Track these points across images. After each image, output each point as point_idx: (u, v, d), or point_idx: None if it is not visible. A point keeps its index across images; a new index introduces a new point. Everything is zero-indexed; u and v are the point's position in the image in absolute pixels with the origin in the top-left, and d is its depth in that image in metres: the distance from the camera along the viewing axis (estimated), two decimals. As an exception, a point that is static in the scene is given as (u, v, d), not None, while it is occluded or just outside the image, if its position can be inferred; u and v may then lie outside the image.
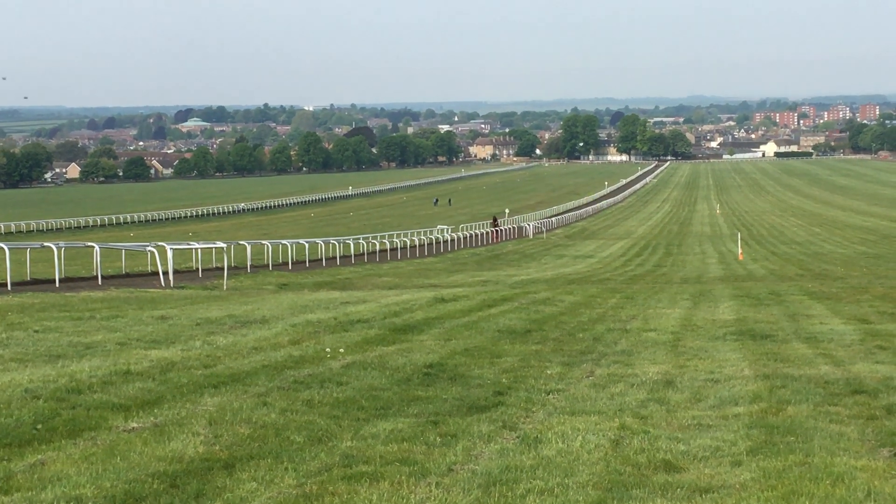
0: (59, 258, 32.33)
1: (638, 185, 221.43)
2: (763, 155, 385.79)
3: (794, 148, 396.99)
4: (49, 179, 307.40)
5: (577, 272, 53.66)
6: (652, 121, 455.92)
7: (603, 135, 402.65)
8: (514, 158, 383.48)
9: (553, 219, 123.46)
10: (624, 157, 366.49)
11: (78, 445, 9.63)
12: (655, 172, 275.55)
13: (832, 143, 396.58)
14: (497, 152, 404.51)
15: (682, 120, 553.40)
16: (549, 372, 15.05)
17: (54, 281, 31.57)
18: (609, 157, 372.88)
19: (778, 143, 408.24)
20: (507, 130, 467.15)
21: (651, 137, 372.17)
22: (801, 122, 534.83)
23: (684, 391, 13.48)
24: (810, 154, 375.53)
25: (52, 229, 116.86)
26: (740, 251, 71.03)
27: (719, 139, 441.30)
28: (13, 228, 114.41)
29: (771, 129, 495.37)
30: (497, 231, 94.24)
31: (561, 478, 8.98)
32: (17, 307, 22.33)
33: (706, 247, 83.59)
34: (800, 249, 77.35)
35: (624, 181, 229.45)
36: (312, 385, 13.05)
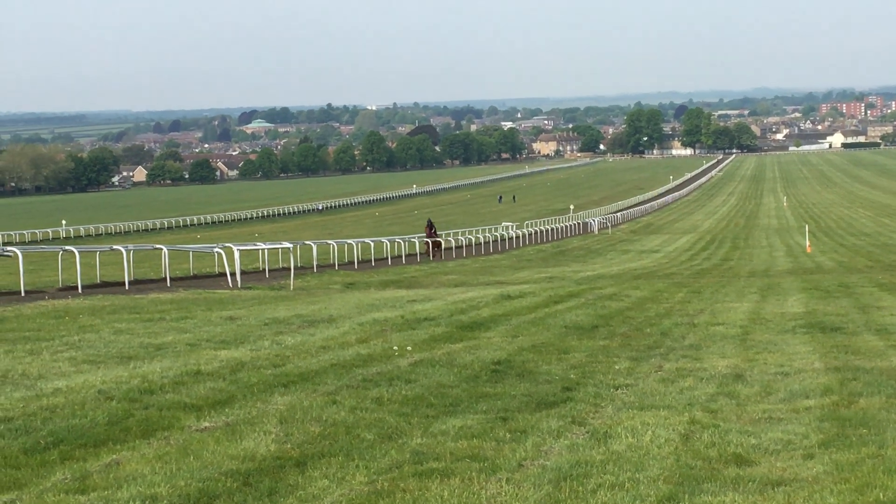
0: (129, 261, 32.64)
1: (703, 179, 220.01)
2: (830, 146, 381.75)
3: (861, 139, 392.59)
4: (116, 183, 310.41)
5: (643, 267, 53.44)
6: (716, 114, 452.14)
7: (667, 129, 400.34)
8: (578, 154, 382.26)
9: (618, 214, 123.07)
10: (689, 151, 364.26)
11: (152, 445, 9.74)
12: (721, 166, 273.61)
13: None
14: (560, 148, 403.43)
15: (747, 112, 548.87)
16: (617, 367, 15.01)
17: (124, 283, 31.87)
18: (674, 152, 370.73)
19: (845, 134, 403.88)
20: (570, 126, 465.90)
21: (716, 130, 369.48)
22: (869, 112, 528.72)
23: (754, 385, 13.40)
24: (878, 144, 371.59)
25: (120, 232, 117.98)
26: (808, 243, 70.43)
27: (785, 131, 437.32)
28: (82, 232, 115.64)
29: (837, 119, 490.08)
30: (432, 244, 62.06)
31: (631, 472, 8.96)
32: (88, 310, 22.57)
33: (773, 240, 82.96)
34: (869, 241, 76.56)
35: (689, 175, 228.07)
36: (381, 383, 13.10)
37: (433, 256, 60.84)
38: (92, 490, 8.33)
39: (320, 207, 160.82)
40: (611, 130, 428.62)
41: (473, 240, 76.56)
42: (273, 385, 12.72)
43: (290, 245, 41.83)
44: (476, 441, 10.14)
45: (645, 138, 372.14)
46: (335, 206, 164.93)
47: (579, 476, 8.87)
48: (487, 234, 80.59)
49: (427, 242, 62.40)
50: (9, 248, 32.62)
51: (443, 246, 64.80)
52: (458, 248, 68.80)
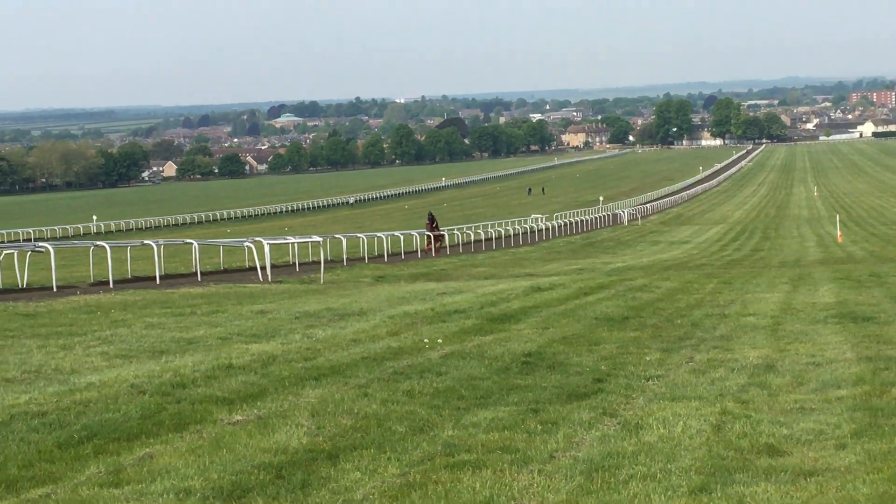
0: (159, 256, 32.79)
1: (733, 170, 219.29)
2: (860, 135, 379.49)
3: (892, 127, 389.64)
4: (146, 178, 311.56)
5: (673, 258, 53.34)
6: (746, 104, 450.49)
7: (696, 119, 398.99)
8: (607, 145, 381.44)
9: (648, 205, 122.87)
10: (718, 142, 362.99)
11: (184, 438, 9.79)
12: (750, 156, 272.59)
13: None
14: (590, 140, 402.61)
15: (776, 102, 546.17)
16: (648, 358, 14.99)
17: (155, 278, 32.03)
18: (703, 142, 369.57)
19: (875, 123, 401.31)
20: (599, 117, 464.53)
21: (745, 121, 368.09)
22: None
23: (786, 375, 13.36)
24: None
25: (150, 227, 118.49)
26: (839, 233, 70.10)
27: (815, 121, 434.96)
28: (113, 227, 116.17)
29: (868, 108, 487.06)
30: (433, 238, 58.61)
31: (663, 463, 8.96)
32: (119, 304, 22.70)
33: (804, 230, 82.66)
34: (900, 230, 76.14)
35: (718, 165, 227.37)
36: (412, 375, 13.13)
37: (436, 252, 56.93)
38: (126, 483, 8.39)
39: (351, 201, 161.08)
40: (640, 121, 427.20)
41: (503, 232, 76.54)
42: (304, 378, 12.77)
43: (320, 239, 41.91)
44: (507, 433, 10.15)
45: (674, 129, 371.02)
46: (364, 200, 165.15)
47: (611, 467, 8.88)
48: (517, 227, 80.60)
49: (428, 237, 58.43)
50: (40, 243, 32.82)
51: (446, 241, 61.29)
52: (488, 240, 68.75)
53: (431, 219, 59.79)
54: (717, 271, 38.10)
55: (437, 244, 58.49)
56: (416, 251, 56.07)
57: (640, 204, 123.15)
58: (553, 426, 10.48)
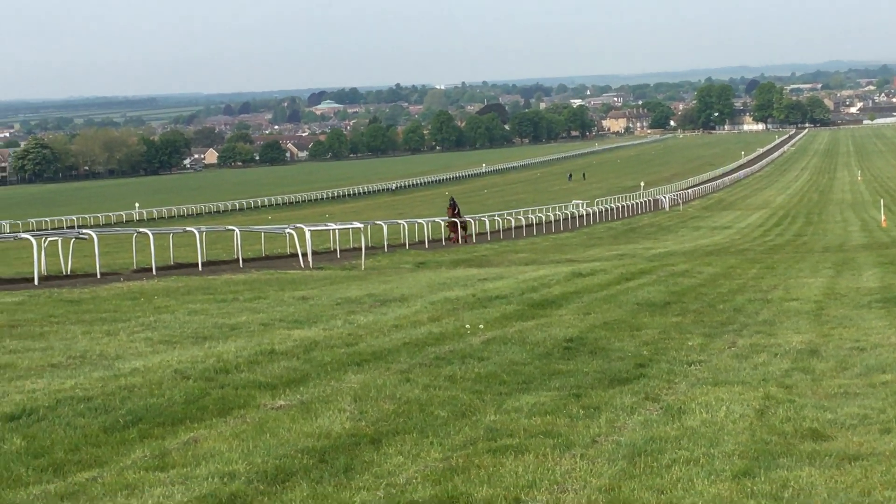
0: (201, 242, 32.94)
1: (775, 154, 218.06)
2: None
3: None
4: (188, 165, 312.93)
5: (715, 243, 53.13)
6: (788, 88, 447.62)
7: (738, 104, 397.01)
8: (648, 131, 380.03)
9: (689, 190, 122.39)
10: (760, 126, 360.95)
11: (228, 423, 9.85)
12: (793, 140, 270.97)
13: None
14: (630, 125, 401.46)
15: (819, 86, 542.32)
16: (690, 343, 14.96)
17: (197, 265, 32.19)
18: (745, 127, 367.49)
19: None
20: (640, 103, 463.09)
21: (788, 105, 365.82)
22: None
23: (829, 360, 13.31)
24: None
25: (192, 214, 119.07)
26: (883, 218, 69.62)
27: (859, 104, 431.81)
28: (155, 215, 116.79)
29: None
30: (457, 225, 55.06)
31: (706, 448, 8.94)
32: (162, 291, 22.83)
33: (848, 214, 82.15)
34: (945, 214, 75.54)
35: (761, 150, 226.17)
36: (454, 361, 13.15)
37: (462, 240, 53.70)
38: (171, 467, 8.45)
39: (393, 187, 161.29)
40: (681, 106, 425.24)
41: (544, 218, 76.48)
42: (346, 364, 12.81)
43: (361, 225, 41.99)
44: (549, 417, 10.16)
45: (716, 114, 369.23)
46: (405, 186, 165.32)
47: (653, 452, 8.87)
48: (558, 212, 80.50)
49: (451, 224, 54.72)
50: (84, 231, 33.03)
51: (469, 229, 56.93)
52: (529, 226, 68.67)
53: (453, 205, 56.23)
54: (759, 256, 37.93)
55: (464, 232, 55.33)
56: (442, 240, 55.65)
57: (682, 189, 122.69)
58: (595, 411, 10.48)
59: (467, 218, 58.61)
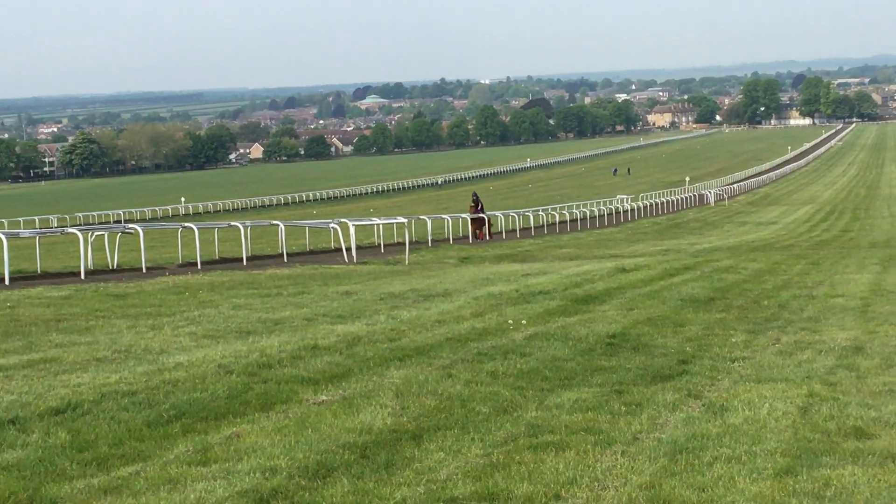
0: (246, 237, 33.08)
1: (822, 149, 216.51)
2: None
3: None
4: (233, 160, 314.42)
5: (760, 239, 52.82)
6: (836, 82, 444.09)
7: (785, 98, 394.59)
8: (694, 125, 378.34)
9: (734, 185, 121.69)
10: (807, 121, 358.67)
11: (270, 418, 9.88)
12: (840, 135, 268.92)
13: None
14: (676, 120, 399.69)
15: (867, 80, 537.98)
16: (733, 340, 14.89)
17: (242, 259, 32.33)
18: (791, 122, 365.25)
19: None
20: (685, 97, 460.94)
21: (835, 100, 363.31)
22: None
23: (874, 357, 13.22)
24: None
25: (237, 209, 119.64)
26: (931, 213, 68.98)
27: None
28: (201, 209, 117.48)
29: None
30: (479, 221, 52.63)
31: (748, 445, 8.90)
32: (207, 285, 22.93)
33: (895, 209, 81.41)
34: None
35: (807, 145, 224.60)
36: (496, 356, 13.14)
37: (489, 236, 51.62)
38: (213, 462, 8.50)
39: (439, 182, 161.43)
40: (727, 101, 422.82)
41: (588, 213, 76.27)
42: (389, 359, 12.83)
43: (405, 220, 42.02)
44: (591, 414, 10.14)
45: (762, 108, 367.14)
46: (449, 181, 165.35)
47: (695, 449, 8.84)
48: (602, 207, 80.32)
49: (474, 221, 51.79)
50: (130, 225, 33.25)
51: (489, 225, 53.58)
52: (573, 221, 68.53)
53: (476, 201, 53.18)
54: (805, 252, 37.69)
55: (484, 228, 52.33)
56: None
57: (727, 184, 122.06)
58: (637, 407, 10.45)
59: (483, 215, 54.23)
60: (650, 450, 8.84)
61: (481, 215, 52.47)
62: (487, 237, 51.69)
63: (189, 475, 8.14)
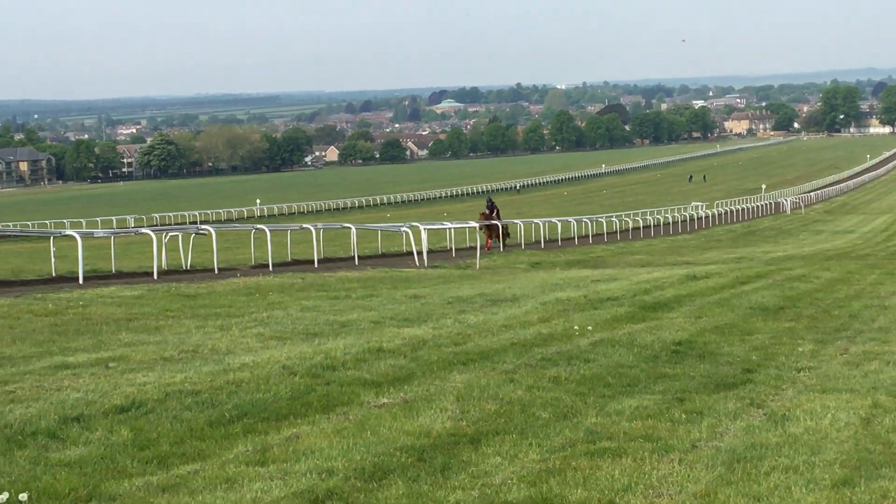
0: (318, 239, 33.29)
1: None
2: None
3: None
4: (309, 163, 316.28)
5: (835, 248, 52.29)
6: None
7: (864, 106, 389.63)
8: (771, 132, 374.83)
9: (811, 193, 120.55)
10: (887, 129, 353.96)
11: (330, 420, 9.96)
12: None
13: None
14: (753, 127, 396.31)
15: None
16: (800, 349, 14.79)
17: (313, 261, 32.54)
18: (871, 130, 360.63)
19: None
20: (763, 104, 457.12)
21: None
22: None
23: (943, 369, 13.06)
24: None
25: (311, 211, 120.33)
26: None
27: None
28: (276, 211, 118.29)
29: None
30: (499, 229, 47.01)
31: (807, 455, 8.85)
32: (277, 287, 23.11)
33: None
34: None
35: (887, 154, 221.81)
36: (560, 362, 13.14)
37: (500, 247, 46.11)
38: (271, 462, 8.58)
39: (518, 187, 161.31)
40: (805, 108, 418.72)
41: (662, 219, 75.96)
42: (452, 363, 12.87)
43: (476, 224, 42.03)
44: (650, 421, 10.12)
45: (841, 116, 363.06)
46: (524, 186, 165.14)
47: (753, 458, 8.80)
48: (676, 214, 79.90)
49: (486, 228, 46.53)
50: (204, 227, 33.61)
51: (504, 234, 47.71)
52: (647, 227, 68.25)
53: (491, 207, 48.65)
54: (880, 262, 37.25)
55: (503, 237, 47.23)
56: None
57: (804, 192, 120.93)
58: (698, 416, 10.41)
59: (496, 222, 47.61)
60: (707, 458, 8.82)
61: (495, 222, 46.94)
62: (501, 248, 46.04)
63: (246, 475, 8.23)
